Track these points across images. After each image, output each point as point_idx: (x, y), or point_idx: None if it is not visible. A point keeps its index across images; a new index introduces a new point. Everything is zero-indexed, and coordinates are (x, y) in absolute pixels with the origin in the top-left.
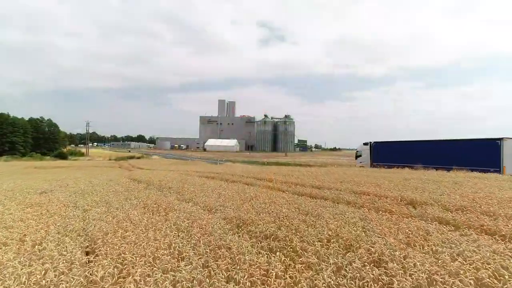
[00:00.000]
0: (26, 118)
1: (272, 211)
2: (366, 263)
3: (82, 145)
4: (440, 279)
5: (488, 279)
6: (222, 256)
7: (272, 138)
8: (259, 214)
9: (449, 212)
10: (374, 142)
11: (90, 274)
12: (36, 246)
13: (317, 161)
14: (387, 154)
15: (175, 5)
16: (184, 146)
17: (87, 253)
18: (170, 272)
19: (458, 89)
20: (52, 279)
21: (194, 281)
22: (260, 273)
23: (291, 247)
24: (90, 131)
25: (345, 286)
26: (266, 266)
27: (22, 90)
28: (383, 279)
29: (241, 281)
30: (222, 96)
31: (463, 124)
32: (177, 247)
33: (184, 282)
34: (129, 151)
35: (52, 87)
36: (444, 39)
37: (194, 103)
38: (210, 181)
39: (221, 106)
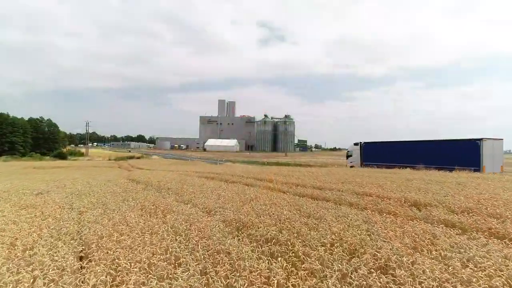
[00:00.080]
0: (26, 118)
1: (273, 213)
2: (372, 270)
3: (82, 145)
4: None
5: None
6: (221, 261)
7: (272, 138)
8: (260, 217)
9: (455, 214)
10: (364, 143)
11: (82, 282)
12: (27, 251)
13: (317, 161)
14: (376, 154)
15: (175, 5)
16: (184, 146)
17: (80, 258)
18: (166, 280)
19: (458, 89)
20: None
21: None
22: (261, 280)
23: (293, 252)
24: (90, 131)
25: None
26: (267, 273)
27: (22, 90)
28: None
29: None
30: (222, 96)
31: (463, 124)
32: (174, 252)
33: None
34: (129, 151)
35: (52, 87)
36: (444, 39)
37: (194, 103)
38: (210, 181)
39: (221, 106)
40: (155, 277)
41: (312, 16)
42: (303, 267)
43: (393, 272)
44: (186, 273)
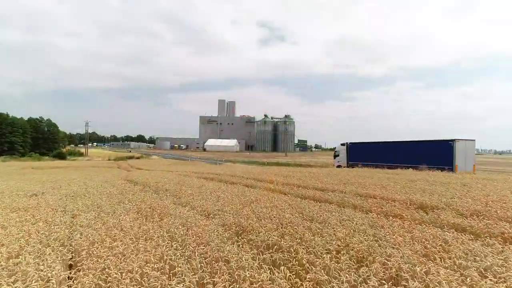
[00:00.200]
0: (26, 118)
1: (274, 217)
2: (383, 281)
3: (81, 145)
4: None
5: None
6: (219, 271)
7: (272, 138)
8: (260, 220)
9: (464, 218)
10: (350, 143)
11: None
12: (12, 259)
13: (317, 161)
14: (361, 154)
15: (175, 5)
16: (184, 146)
17: (70, 266)
18: None
19: (458, 89)
20: None
21: None
22: None
23: (297, 260)
24: (90, 131)
25: None
26: (269, 284)
27: (22, 90)
28: None
29: None
30: (222, 96)
31: (463, 124)
32: (169, 260)
33: None
34: (130, 151)
35: (52, 87)
36: (444, 39)
37: (194, 103)
38: (209, 182)
39: (221, 106)
40: None
41: (312, 16)
42: (308, 277)
43: (406, 284)
44: (182, 284)
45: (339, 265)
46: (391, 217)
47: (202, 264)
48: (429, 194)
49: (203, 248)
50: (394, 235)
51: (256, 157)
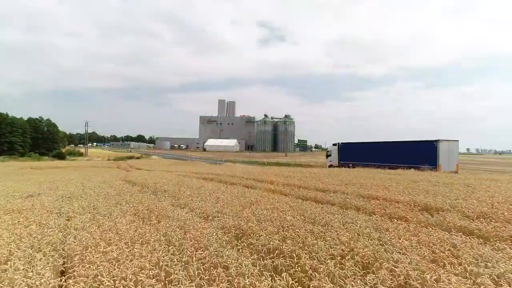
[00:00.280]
0: (26, 118)
1: (275, 219)
2: None
3: (81, 145)
4: None
5: None
6: (218, 278)
7: (272, 138)
8: (261, 223)
9: (471, 220)
10: (341, 143)
11: None
12: (0, 265)
13: (317, 161)
14: (352, 154)
15: (175, 5)
16: (184, 146)
17: (62, 273)
18: None
19: (458, 89)
20: None
21: None
22: None
23: (299, 266)
24: (90, 131)
25: None
26: None
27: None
28: None
29: None
30: (222, 96)
31: (463, 124)
32: (165, 267)
33: None
34: (130, 151)
35: (52, 87)
36: (444, 39)
37: (194, 103)
38: (209, 183)
39: (221, 106)
40: None
41: (312, 16)
42: (312, 285)
43: None
44: None
45: (344, 271)
46: (395, 220)
47: (200, 271)
48: (433, 195)
49: (201, 253)
50: (400, 238)
51: (256, 157)
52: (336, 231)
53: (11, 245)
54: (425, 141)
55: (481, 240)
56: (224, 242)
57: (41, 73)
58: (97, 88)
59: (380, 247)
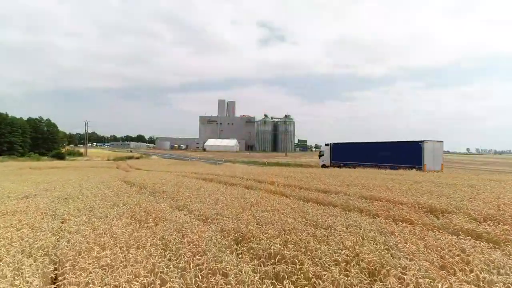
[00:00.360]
0: (25, 118)
1: (276, 222)
2: None
3: (81, 145)
4: None
5: None
6: (216, 286)
7: (272, 138)
8: (261, 226)
9: (478, 223)
10: (333, 143)
11: None
12: None
13: (318, 161)
14: (343, 153)
15: (175, 5)
16: (184, 146)
17: (54, 279)
18: None
19: (458, 89)
20: None
21: None
22: None
23: (302, 273)
24: (90, 131)
25: None
26: None
27: (22, 90)
28: None
29: None
30: (222, 96)
31: (463, 124)
32: (161, 274)
33: None
34: (130, 151)
35: (52, 87)
36: (444, 39)
37: (194, 103)
38: (208, 184)
39: (221, 106)
40: None
41: (312, 16)
42: None
43: None
44: None
45: (349, 279)
46: (400, 222)
47: (197, 278)
48: (437, 196)
49: (199, 259)
50: (406, 243)
51: (256, 157)
52: (339, 235)
53: (0, 249)
54: (411, 141)
55: (491, 244)
56: (223, 247)
57: (41, 73)
58: (97, 88)
59: (386, 252)
